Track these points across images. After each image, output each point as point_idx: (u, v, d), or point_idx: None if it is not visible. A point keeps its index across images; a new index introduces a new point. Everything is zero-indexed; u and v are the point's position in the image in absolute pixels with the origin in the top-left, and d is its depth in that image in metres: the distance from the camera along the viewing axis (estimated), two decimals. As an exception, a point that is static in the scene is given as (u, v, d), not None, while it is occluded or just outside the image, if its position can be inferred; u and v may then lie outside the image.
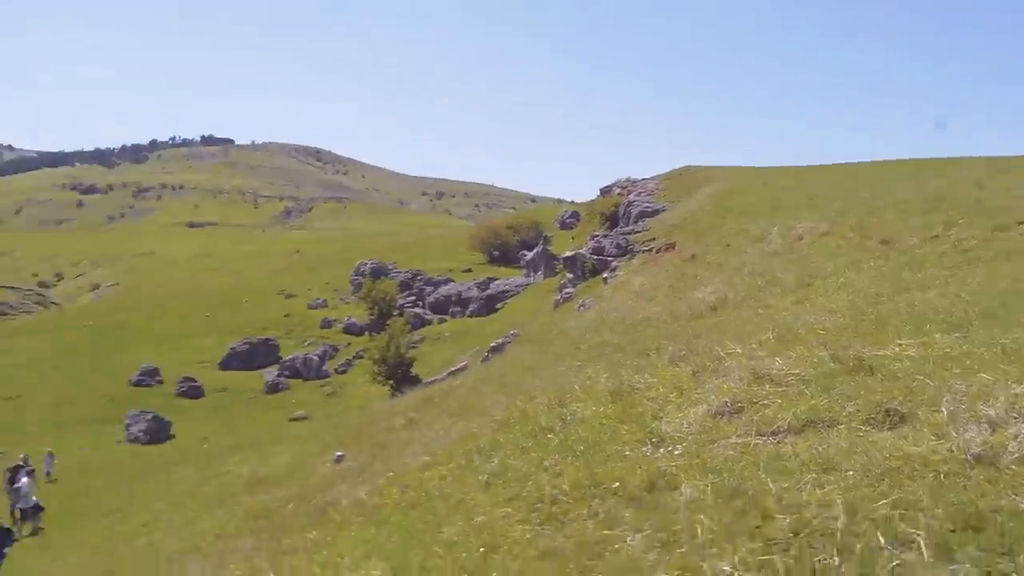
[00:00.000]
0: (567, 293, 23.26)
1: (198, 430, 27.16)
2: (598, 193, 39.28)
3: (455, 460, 5.94)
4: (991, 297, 7.11)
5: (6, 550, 12.24)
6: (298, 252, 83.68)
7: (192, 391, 32.97)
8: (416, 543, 4.75)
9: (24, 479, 16.51)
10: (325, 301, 49.95)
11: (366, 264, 53.41)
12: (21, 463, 18.13)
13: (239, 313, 48.88)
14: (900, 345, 5.79)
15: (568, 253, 26.45)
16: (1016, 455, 3.52)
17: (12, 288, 74.12)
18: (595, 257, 23.35)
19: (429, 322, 41.51)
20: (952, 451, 3.70)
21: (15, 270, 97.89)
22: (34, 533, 15.55)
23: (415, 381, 24.51)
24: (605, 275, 21.15)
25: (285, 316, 46.21)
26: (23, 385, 33.57)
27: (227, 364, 37.15)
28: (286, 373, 35.06)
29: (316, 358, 36.63)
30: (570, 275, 24.38)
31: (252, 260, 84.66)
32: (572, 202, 44.20)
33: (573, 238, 38.73)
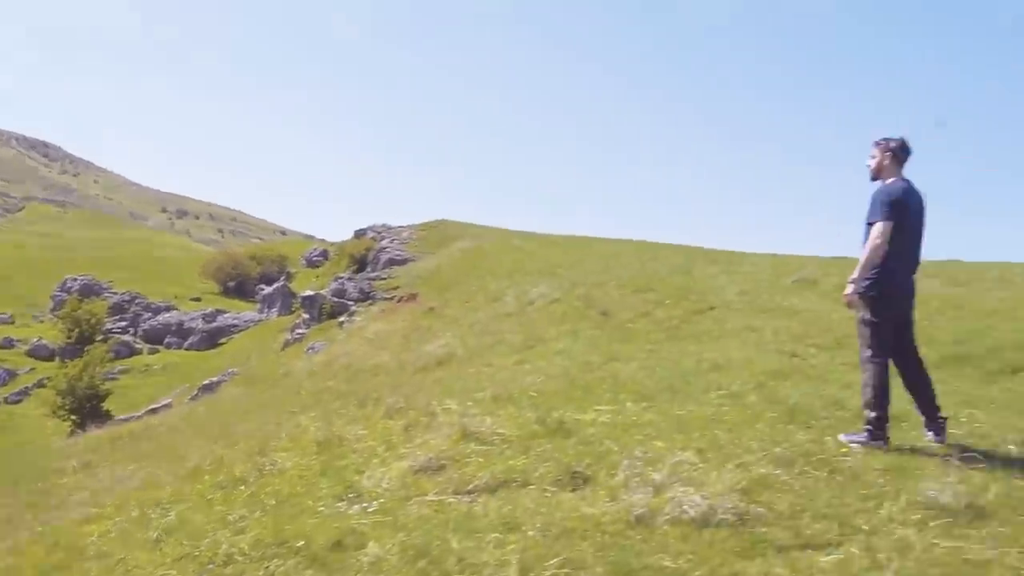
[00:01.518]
0: (299, 334, 22.45)
1: None
2: (352, 235, 38.84)
3: (126, 513, 5.30)
4: (678, 372, 7.92)
5: None
6: (-7, 258, 72.26)
7: None
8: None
9: None
10: (12, 317, 43.28)
11: (76, 280, 47.03)
12: None
13: None
14: (598, 411, 6.21)
15: (308, 292, 25.59)
16: (669, 516, 3.86)
17: None
18: (335, 299, 22.85)
19: (138, 352, 37.25)
20: (619, 513, 3.98)
21: None
22: None
23: (106, 417, 21.96)
24: (343, 319, 20.75)
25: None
26: None
27: None
28: (-67, 399, 29.56)
29: (-19, 383, 31.35)
30: (306, 315, 23.59)
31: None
32: (324, 240, 43.07)
33: (317, 277, 37.71)
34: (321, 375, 12.79)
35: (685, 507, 3.90)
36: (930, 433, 4.97)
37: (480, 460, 5.11)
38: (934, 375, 7.88)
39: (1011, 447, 4.90)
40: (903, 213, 4.84)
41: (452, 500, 4.56)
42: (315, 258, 51.83)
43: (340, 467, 5.40)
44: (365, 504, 4.60)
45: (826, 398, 6.29)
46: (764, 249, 26.50)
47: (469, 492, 4.65)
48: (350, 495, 4.78)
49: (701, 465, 4.47)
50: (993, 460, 4.52)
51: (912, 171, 5.12)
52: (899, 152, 5.02)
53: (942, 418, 5.01)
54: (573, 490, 4.48)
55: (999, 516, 3.68)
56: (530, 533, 3.86)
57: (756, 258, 20.72)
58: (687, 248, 27.13)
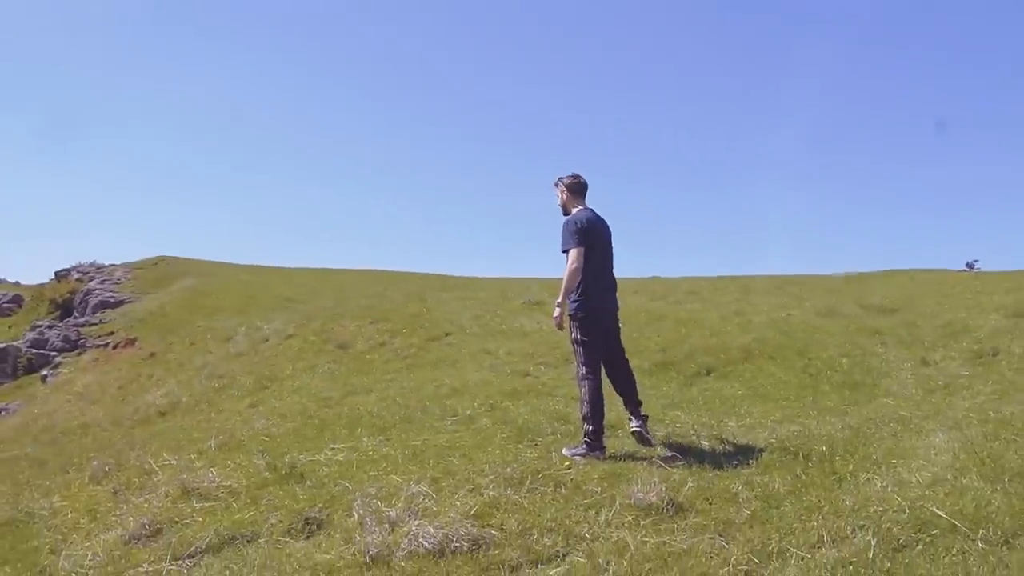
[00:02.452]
0: (-13, 394, 19.29)
1: None
2: (52, 276, 34.28)
3: None
4: (416, 401, 7.97)
5: None
6: None
7: None
8: None
9: None
10: None
11: None
12: None
13: None
14: (333, 449, 6.02)
15: (-1, 345, 22.10)
16: (405, 551, 3.82)
17: None
18: (34, 351, 19.97)
19: None
20: (355, 555, 3.86)
21: None
22: None
23: None
24: (45, 372, 18.20)
25: None
26: None
27: None
28: None
29: None
30: (-4, 372, 20.33)
31: None
32: (17, 283, 37.51)
33: (10, 327, 32.71)
34: (15, 440, 11.05)
35: (421, 540, 3.89)
36: (635, 423, 5.41)
37: (203, 519, 4.70)
38: (645, 381, 8.76)
39: (704, 443, 5.55)
40: (592, 238, 5.30)
41: (171, 568, 4.13)
42: (6, 305, 44.88)
43: (30, 549, 4.67)
44: (62, 588, 4.01)
45: (552, 414, 6.69)
46: (493, 273, 27.87)
47: (190, 556, 4.24)
48: (42, 581, 4.14)
49: (435, 495, 4.50)
50: (690, 457, 5.08)
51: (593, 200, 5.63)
52: (573, 187, 5.54)
53: (645, 415, 5.54)
54: (307, 537, 4.27)
55: (695, 508, 4.13)
56: (257, 592, 3.60)
57: (486, 282, 21.66)
58: (421, 276, 27.66)
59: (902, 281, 17.03)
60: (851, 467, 4.63)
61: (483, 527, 4.01)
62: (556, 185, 5.60)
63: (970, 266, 23.18)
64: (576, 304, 5.30)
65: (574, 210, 5.46)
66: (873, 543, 3.44)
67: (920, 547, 3.41)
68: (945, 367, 8.41)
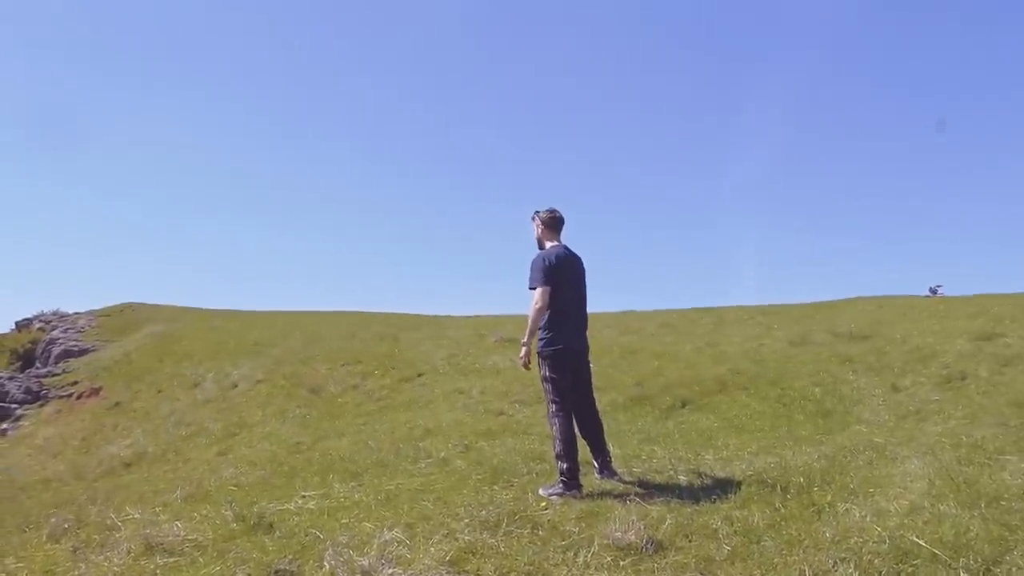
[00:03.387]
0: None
1: None
2: (13, 326, 33.52)
3: None
4: (390, 444, 7.82)
5: None
6: None
7: None
8: None
9: None
10: None
11: None
12: None
13: None
14: (303, 497, 5.85)
15: (-43, 399, 21.43)
16: (379, 605, 3.68)
17: None
18: (-6, 405, 19.39)
19: None
20: (326, 610, 3.71)
21: None
22: None
23: None
24: (5, 426, 17.66)
25: None
26: None
27: None
28: None
29: None
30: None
31: None
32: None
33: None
34: (-29, 498, 10.62)
35: (394, 589, 3.76)
36: (601, 475, 5.42)
37: (167, 576, 4.51)
38: (621, 416, 8.72)
39: (681, 478, 5.48)
40: (559, 276, 5.26)
41: (132, 630, 3.94)
42: (-35, 356, 43.72)
43: (-18, 615, 4.43)
44: (15, 657, 3.79)
45: (527, 453, 6.59)
46: (465, 311, 27.78)
47: (153, 616, 4.06)
48: (-6, 649, 3.91)
49: (409, 542, 4.37)
50: (668, 493, 5.02)
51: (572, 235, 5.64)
52: (549, 222, 5.51)
53: (609, 458, 5.54)
54: (274, 592, 4.11)
55: (675, 545, 4.05)
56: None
57: (459, 320, 21.56)
58: (393, 316, 27.47)
59: (869, 308, 17.27)
60: (829, 497, 4.59)
61: (459, 573, 3.90)
62: (532, 219, 5.57)
63: (933, 291, 23.55)
64: (544, 341, 5.25)
65: (548, 244, 5.43)
66: (855, 576, 3.39)
67: (902, 578, 3.37)
68: (915, 392, 8.48)
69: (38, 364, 25.00)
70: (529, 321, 5.18)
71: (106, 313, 32.79)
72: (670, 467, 5.83)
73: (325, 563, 4.23)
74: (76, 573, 4.85)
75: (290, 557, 4.48)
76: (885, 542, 3.70)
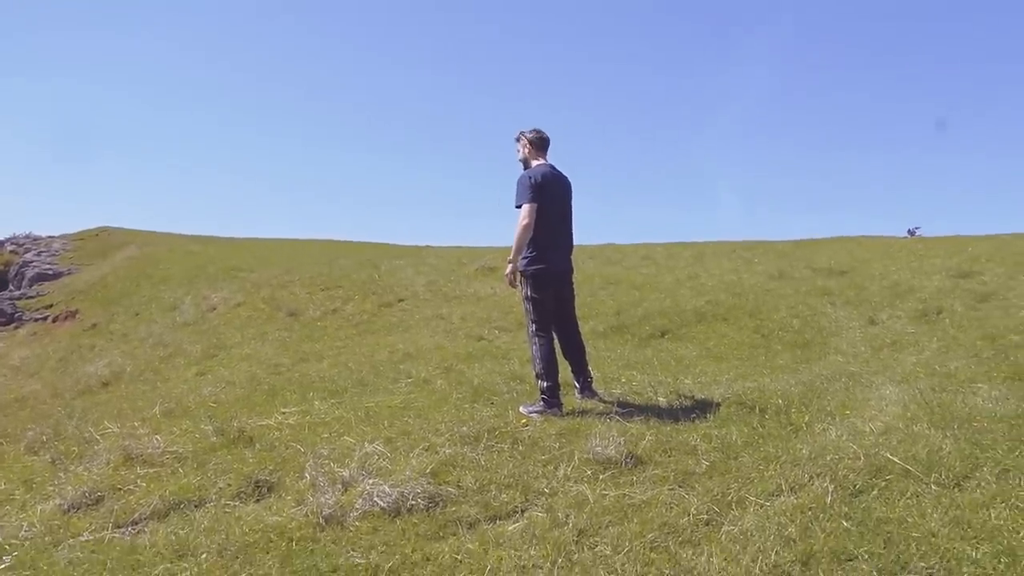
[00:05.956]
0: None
1: None
2: (-15, 249, 32.95)
3: None
4: (370, 366, 7.83)
5: None
6: None
7: None
8: None
9: None
10: None
11: None
12: None
13: None
14: (284, 413, 5.86)
15: (-70, 320, 21.12)
16: (360, 511, 3.71)
17: None
18: (-32, 325, 19.15)
19: None
20: (307, 516, 3.73)
21: None
22: None
23: None
24: (-20, 347, 17.46)
25: None
26: None
27: None
28: None
29: None
30: (-70, 348, 19.45)
31: None
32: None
33: (-57, 302, 31.35)
34: (-54, 415, 10.56)
35: (376, 499, 3.78)
36: (582, 395, 5.48)
37: (147, 485, 4.51)
38: (600, 343, 8.77)
39: (661, 400, 5.54)
40: (545, 194, 5.18)
41: (113, 536, 3.95)
42: (-64, 278, 43.02)
43: (-41, 522, 4.42)
44: (-4, 559, 3.80)
45: (508, 375, 6.62)
46: (446, 242, 27.61)
47: (134, 523, 4.06)
48: (-27, 553, 3.92)
49: (390, 454, 4.40)
50: (647, 413, 5.07)
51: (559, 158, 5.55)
52: (536, 141, 5.40)
53: (590, 379, 5.59)
54: (257, 500, 4.13)
55: (653, 460, 4.10)
56: (204, 556, 3.46)
57: (440, 250, 21.44)
58: (373, 245, 27.26)
59: (850, 246, 17.35)
60: (806, 418, 4.66)
61: (440, 485, 3.93)
62: (518, 139, 5.45)
63: (912, 232, 23.72)
64: (527, 260, 5.19)
65: (534, 163, 5.33)
66: (830, 489, 3.46)
67: (876, 492, 3.43)
68: (892, 325, 8.59)
69: (12, 287, 24.64)
70: (515, 239, 5.12)
71: (80, 237, 32.24)
72: (650, 390, 5.88)
73: (306, 474, 4.24)
74: (55, 483, 4.84)
75: (270, 468, 4.50)
76: (860, 459, 3.77)
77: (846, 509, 3.28)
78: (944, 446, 3.87)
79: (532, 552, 3.22)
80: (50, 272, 25.06)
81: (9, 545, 3.98)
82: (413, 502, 3.75)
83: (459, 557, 3.25)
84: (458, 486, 3.94)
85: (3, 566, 3.72)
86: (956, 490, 3.39)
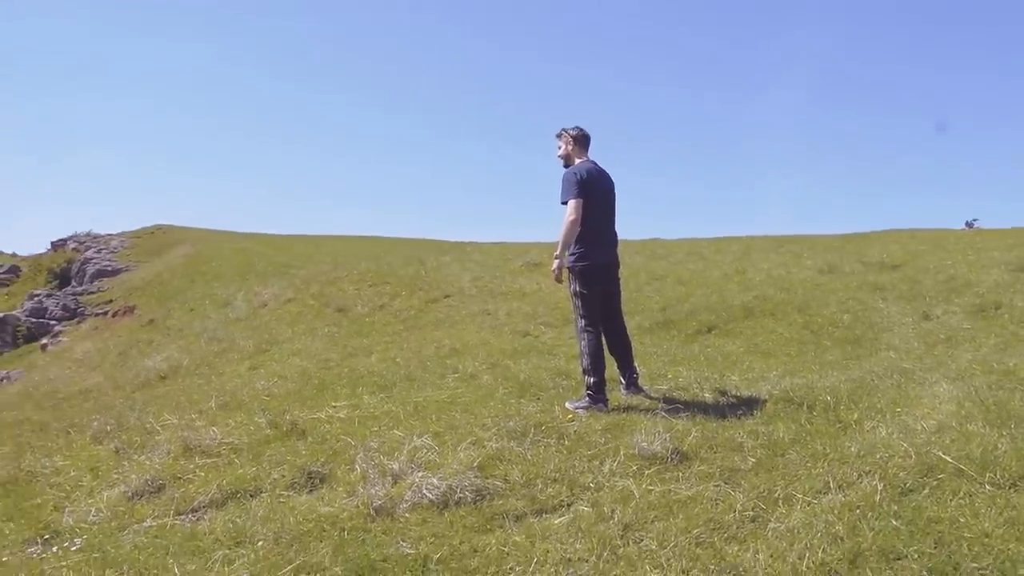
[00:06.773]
0: (-11, 363, 19.28)
1: None
2: (49, 246, 34.20)
3: None
4: (417, 361, 7.94)
5: None
6: None
7: None
8: None
9: None
10: None
11: None
12: None
13: None
14: (334, 407, 6.00)
15: (-2, 315, 22.04)
16: (409, 503, 3.80)
17: None
18: (33, 320, 19.95)
19: None
20: (359, 507, 3.84)
21: None
22: None
23: None
24: (45, 341, 18.18)
25: None
26: None
27: None
28: None
29: None
30: (-5, 341, 20.30)
31: None
32: (13, 255, 37.42)
33: (9, 296, 32.66)
34: (17, 407, 11.03)
35: (424, 491, 3.87)
36: (627, 391, 5.51)
37: (205, 474, 4.69)
38: (646, 339, 8.75)
39: (707, 396, 5.52)
40: (592, 189, 5.21)
41: (174, 522, 4.12)
42: (2, 275, 44.85)
43: (33, 507, 4.66)
44: (67, 543, 3.99)
45: (554, 370, 6.66)
46: (490, 239, 27.75)
47: (193, 511, 4.24)
48: (46, 536, 4.13)
49: (438, 448, 4.48)
50: (693, 409, 5.06)
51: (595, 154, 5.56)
52: (579, 138, 5.43)
53: (636, 375, 5.61)
54: (310, 491, 4.27)
55: (699, 457, 4.10)
56: (261, 543, 3.59)
57: (485, 246, 21.56)
58: (419, 241, 27.54)
59: (902, 239, 16.95)
60: (856, 416, 4.60)
61: (487, 478, 4.00)
62: (560, 136, 5.49)
63: (969, 224, 23.05)
64: (574, 256, 5.23)
65: (577, 161, 5.37)
66: (880, 487, 3.42)
67: (927, 491, 3.38)
68: (947, 321, 8.38)
69: (74, 283, 25.54)
70: (562, 235, 5.16)
71: (138, 235, 33.25)
72: (696, 386, 5.87)
73: (357, 466, 4.36)
74: (120, 471, 5.06)
75: (322, 460, 4.63)
76: (911, 457, 3.72)
77: (896, 508, 3.24)
78: (1000, 445, 3.79)
79: (577, 546, 3.27)
80: (109, 269, 25.90)
81: (79, 528, 4.19)
82: (461, 495, 3.82)
83: (506, 549, 3.31)
84: (505, 480, 4.00)
85: (74, 548, 3.91)
86: (1012, 490, 3.32)
